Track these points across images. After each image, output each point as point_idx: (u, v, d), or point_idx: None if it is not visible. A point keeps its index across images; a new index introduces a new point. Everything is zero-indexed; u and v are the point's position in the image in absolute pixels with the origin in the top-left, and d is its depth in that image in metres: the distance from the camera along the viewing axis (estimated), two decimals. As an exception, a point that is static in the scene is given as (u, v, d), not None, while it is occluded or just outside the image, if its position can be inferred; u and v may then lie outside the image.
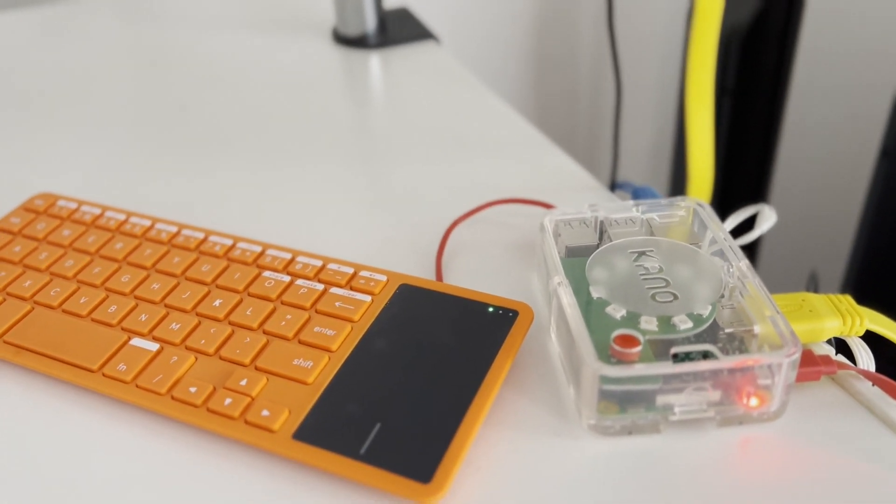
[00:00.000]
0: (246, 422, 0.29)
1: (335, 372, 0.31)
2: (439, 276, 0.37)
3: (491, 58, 1.01)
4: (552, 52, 1.04)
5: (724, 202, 1.00)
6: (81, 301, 0.35)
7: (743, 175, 0.97)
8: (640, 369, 0.28)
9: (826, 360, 0.30)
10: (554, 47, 1.04)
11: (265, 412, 0.29)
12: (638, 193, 0.40)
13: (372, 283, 0.35)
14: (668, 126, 1.07)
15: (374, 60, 0.64)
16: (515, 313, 0.33)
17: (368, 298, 0.34)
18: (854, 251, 0.77)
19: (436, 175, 0.47)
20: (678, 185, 0.97)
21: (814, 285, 0.81)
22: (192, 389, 0.30)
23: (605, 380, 0.28)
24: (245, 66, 0.63)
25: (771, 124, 0.95)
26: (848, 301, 0.32)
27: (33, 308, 0.35)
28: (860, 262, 0.76)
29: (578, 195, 0.44)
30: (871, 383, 0.31)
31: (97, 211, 0.41)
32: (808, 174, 1.05)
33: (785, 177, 1.02)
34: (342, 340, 0.32)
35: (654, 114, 1.09)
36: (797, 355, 0.28)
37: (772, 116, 0.95)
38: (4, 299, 0.36)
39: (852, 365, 0.31)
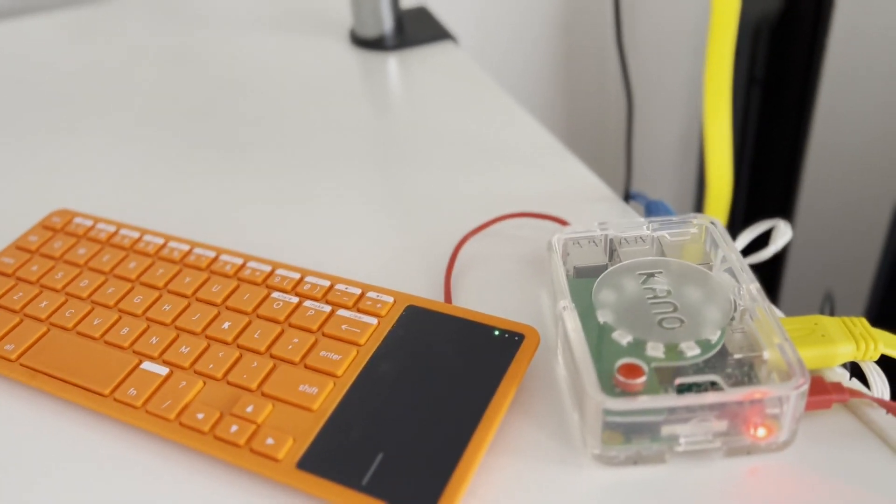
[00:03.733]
0: (251, 450, 0.29)
1: (340, 398, 0.31)
2: (448, 296, 0.37)
3: (510, 58, 1.00)
4: (574, 52, 1.02)
5: (754, 195, 0.98)
6: (95, 322, 0.36)
7: (773, 169, 0.95)
8: (643, 402, 0.28)
9: (838, 387, 0.30)
10: (576, 49, 1.02)
11: (270, 440, 0.29)
12: (650, 208, 0.39)
13: (379, 305, 0.35)
14: (692, 133, 1.05)
15: (392, 63, 0.64)
16: (521, 337, 0.33)
17: (374, 321, 0.34)
18: (881, 266, 0.75)
19: (450, 182, 0.47)
20: (702, 190, 0.96)
21: (829, 306, 0.79)
22: (200, 416, 0.31)
23: (608, 412, 0.28)
24: (261, 69, 0.63)
25: (802, 114, 0.93)
26: (862, 324, 0.32)
27: (49, 330, 0.36)
28: (886, 278, 0.74)
29: (593, 206, 0.44)
30: (885, 411, 0.30)
31: (112, 228, 0.41)
32: (841, 169, 1.02)
33: (815, 171, 1.00)
34: (347, 365, 0.32)
35: (675, 120, 1.07)
36: (805, 387, 0.27)
37: (802, 106, 0.93)
38: (21, 320, 0.36)
39: (866, 392, 0.31)
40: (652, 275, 0.33)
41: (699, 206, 1.02)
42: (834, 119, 0.98)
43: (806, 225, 1.02)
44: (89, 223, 0.42)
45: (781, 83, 0.93)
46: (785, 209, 0.97)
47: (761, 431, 0.28)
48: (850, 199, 1.01)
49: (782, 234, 0.37)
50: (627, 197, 0.44)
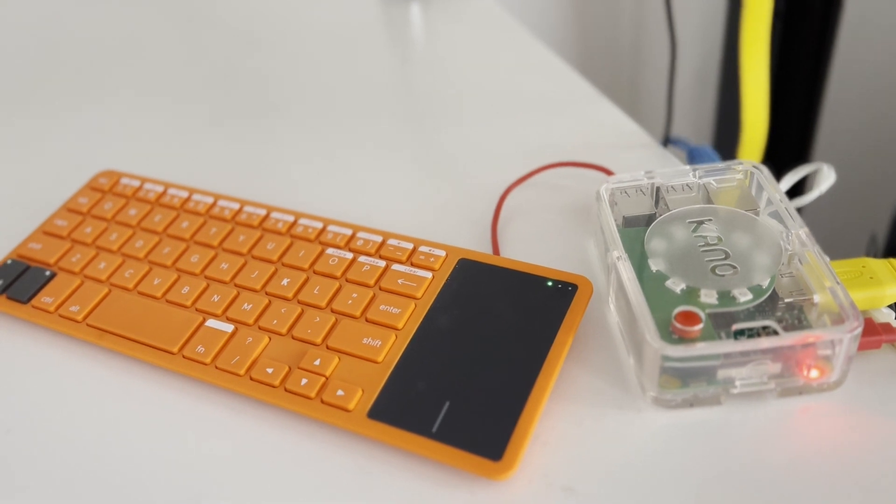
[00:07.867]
0: (322, 401, 0.31)
1: (403, 350, 0.32)
2: (496, 248, 0.38)
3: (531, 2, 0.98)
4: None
5: (773, 129, 0.98)
6: (155, 282, 0.37)
7: (792, 104, 0.94)
8: (702, 348, 0.29)
9: (887, 328, 0.31)
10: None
11: (340, 392, 0.31)
12: (694, 154, 0.40)
13: (432, 259, 0.36)
14: (711, 74, 1.03)
15: (415, 10, 0.63)
16: (575, 287, 0.33)
17: (429, 275, 0.35)
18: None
19: (485, 133, 0.48)
20: (723, 131, 0.95)
21: (874, 248, 0.79)
22: (269, 370, 0.32)
23: (666, 358, 0.29)
24: (283, 21, 0.63)
25: (822, 48, 0.92)
26: (910, 266, 0.32)
27: (110, 290, 0.37)
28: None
29: (632, 153, 0.44)
30: (932, 349, 0.31)
31: (160, 188, 0.42)
32: (862, 105, 1.01)
33: (836, 106, 0.99)
34: (407, 318, 0.33)
35: (697, 62, 1.05)
36: (859, 330, 0.28)
37: (824, 39, 0.92)
38: (83, 282, 0.37)
39: (914, 331, 0.31)
40: (701, 222, 0.34)
41: (719, 148, 1.01)
42: (855, 52, 0.97)
43: (826, 160, 1.02)
44: (136, 183, 0.43)
45: (802, 16, 0.91)
46: (804, 144, 0.96)
47: (814, 373, 0.30)
48: (871, 136, 1.01)
49: (826, 177, 0.38)
50: (666, 141, 0.44)
